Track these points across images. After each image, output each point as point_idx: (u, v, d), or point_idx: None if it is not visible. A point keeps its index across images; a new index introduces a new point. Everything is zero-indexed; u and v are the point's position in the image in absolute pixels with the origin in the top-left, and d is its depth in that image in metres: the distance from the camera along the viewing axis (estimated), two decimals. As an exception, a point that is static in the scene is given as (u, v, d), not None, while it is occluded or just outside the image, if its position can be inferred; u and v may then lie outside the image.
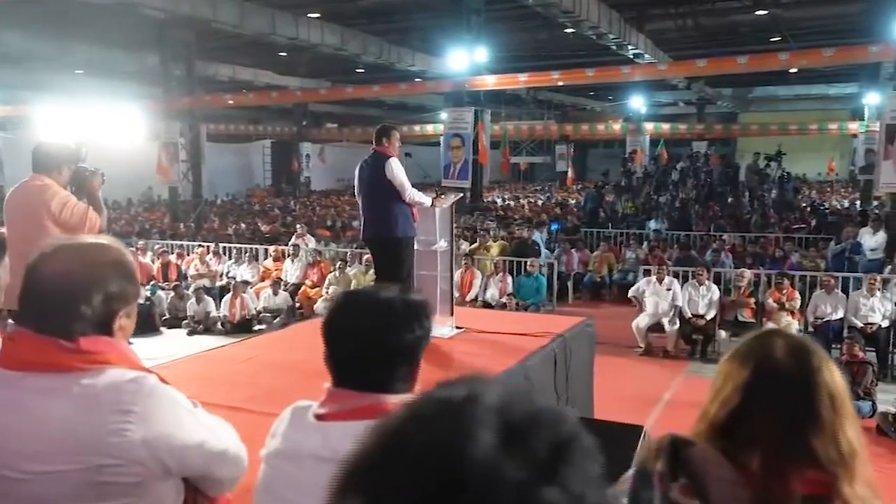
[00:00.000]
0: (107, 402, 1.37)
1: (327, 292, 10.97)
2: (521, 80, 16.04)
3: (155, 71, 19.95)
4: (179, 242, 13.70)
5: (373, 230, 5.47)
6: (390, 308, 1.43)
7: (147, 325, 10.01)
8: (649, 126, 25.20)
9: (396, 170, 5.29)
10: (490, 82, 14.71)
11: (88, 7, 14.75)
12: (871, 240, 11.65)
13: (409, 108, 35.04)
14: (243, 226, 16.76)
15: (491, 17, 16.06)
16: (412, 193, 5.43)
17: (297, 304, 11.38)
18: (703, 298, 9.10)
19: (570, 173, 26.97)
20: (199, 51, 18.61)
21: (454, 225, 6.57)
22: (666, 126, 26.16)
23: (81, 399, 1.37)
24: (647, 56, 20.07)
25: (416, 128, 28.88)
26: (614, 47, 18.86)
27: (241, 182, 30.95)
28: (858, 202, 21.63)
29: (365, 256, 11.54)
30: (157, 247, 13.17)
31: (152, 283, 11.47)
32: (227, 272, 12.19)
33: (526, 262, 10.95)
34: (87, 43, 18.72)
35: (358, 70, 26.14)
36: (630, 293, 9.83)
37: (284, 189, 30.17)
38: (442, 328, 6.01)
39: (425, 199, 5.64)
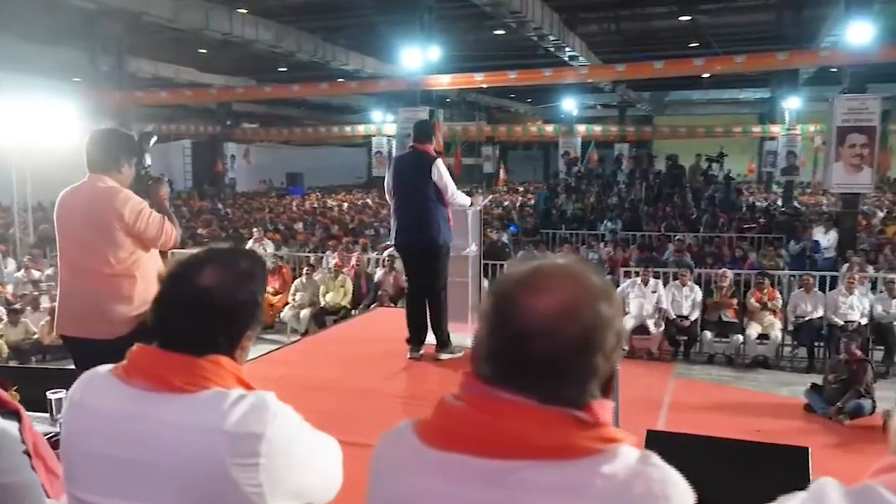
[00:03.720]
0: (638, 499, 0.95)
1: (294, 300, 10.44)
2: (478, 80, 15.80)
3: (71, 66, 18.66)
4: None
5: (411, 236, 5.09)
6: None
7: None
8: (581, 128, 25.52)
9: (444, 172, 4.97)
10: (445, 82, 14.45)
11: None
12: (824, 239, 12.11)
13: (333, 108, 34.24)
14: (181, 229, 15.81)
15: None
16: (456, 195, 5.12)
17: (259, 313, 10.76)
18: (687, 300, 9.14)
19: (501, 174, 27.07)
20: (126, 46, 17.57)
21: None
22: (598, 128, 26.59)
23: (612, 500, 0.95)
24: (581, 58, 20.30)
25: (348, 128, 28.17)
26: (553, 49, 18.93)
27: (160, 184, 29.33)
28: (779, 202, 22.60)
29: (332, 261, 11.09)
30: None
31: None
32: (180, 280, 11.41)
33: (499, 266, 10.73)
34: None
35: (280, 69, 25.34)
36: (614, 296, 9.77)
37: (207, 191, 28.88)
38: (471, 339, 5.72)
39: (467, 201, 5.34)
